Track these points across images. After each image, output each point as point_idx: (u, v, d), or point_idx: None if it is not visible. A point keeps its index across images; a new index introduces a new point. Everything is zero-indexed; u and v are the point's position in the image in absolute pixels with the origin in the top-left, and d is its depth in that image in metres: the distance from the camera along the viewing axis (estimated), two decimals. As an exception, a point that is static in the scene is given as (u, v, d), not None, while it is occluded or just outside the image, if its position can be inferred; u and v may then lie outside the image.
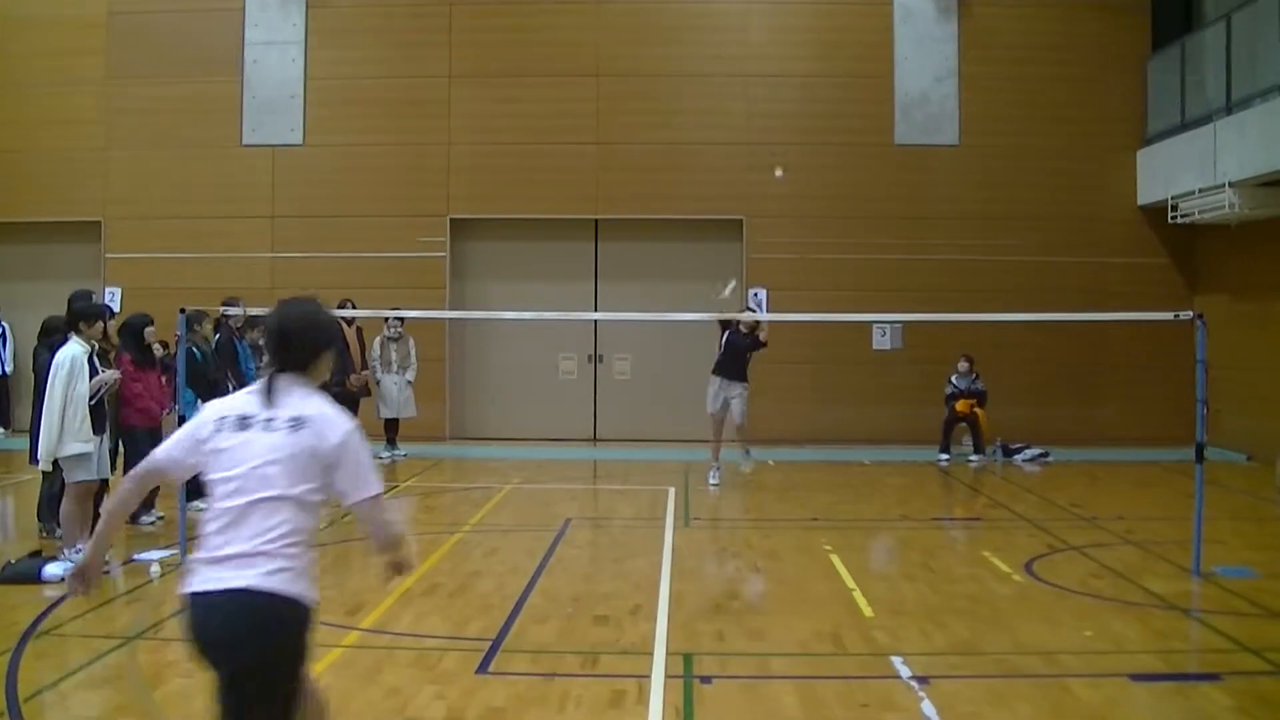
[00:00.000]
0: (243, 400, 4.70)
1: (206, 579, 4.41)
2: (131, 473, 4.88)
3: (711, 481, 15.99)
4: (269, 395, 4.63)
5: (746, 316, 15.97)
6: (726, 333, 15.89)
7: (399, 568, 4.92)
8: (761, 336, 15.88)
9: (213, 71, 21.62)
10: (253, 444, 4.53)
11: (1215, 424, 16.28)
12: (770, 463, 18.83)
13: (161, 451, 4.78)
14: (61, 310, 11.59)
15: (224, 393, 13.82)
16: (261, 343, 15.46)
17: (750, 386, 16.16)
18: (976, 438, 18.92)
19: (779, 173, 20.28)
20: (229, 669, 4.40)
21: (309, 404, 4.65)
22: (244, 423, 4.59)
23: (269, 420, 4.57)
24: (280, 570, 4.41)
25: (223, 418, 4.64)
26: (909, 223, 21.10)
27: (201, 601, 4.41)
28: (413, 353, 19.08)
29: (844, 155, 21.21)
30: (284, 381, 4.67)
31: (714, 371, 16.00)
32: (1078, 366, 20.86)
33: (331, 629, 8.63)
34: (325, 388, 4.84)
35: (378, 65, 21.61)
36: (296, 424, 4.57)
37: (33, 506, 12.39)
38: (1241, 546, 11.94)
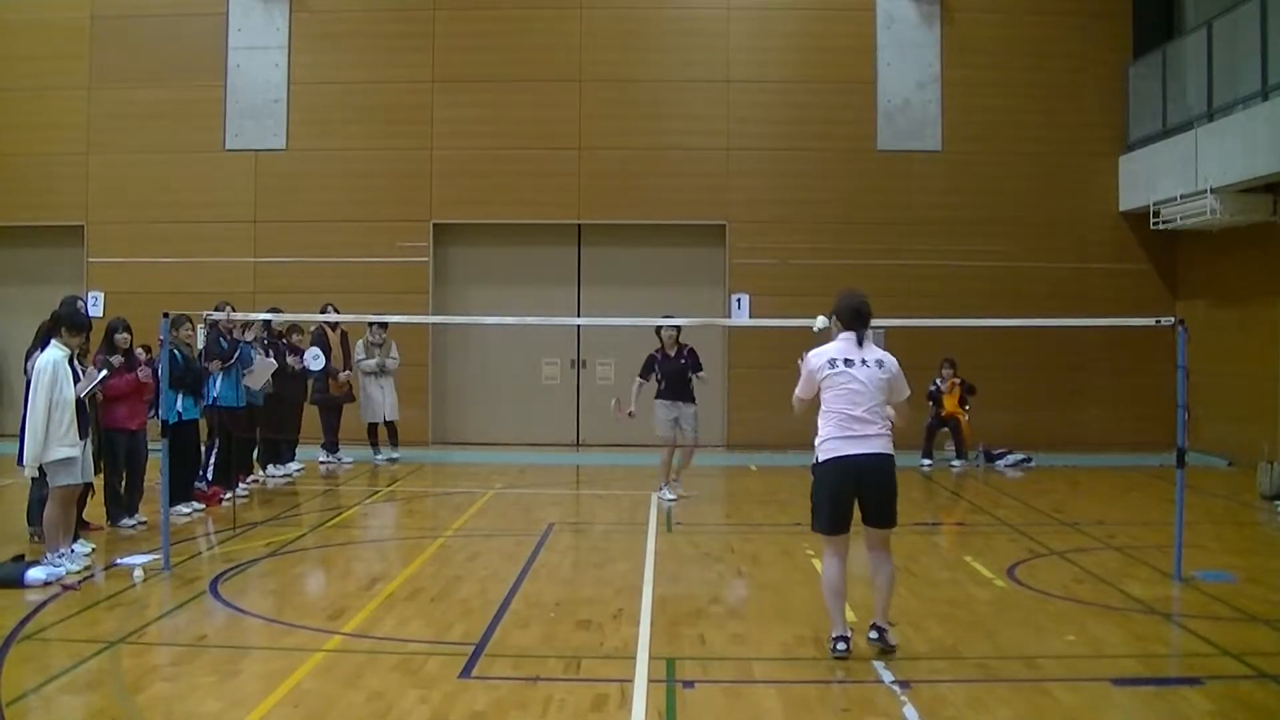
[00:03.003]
0: (843, 348, 8.15)
1: (858, 448, 7.96)
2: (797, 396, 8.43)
3: (668, 496, 15.30)
4: (860, 345, 8.16)
5: (666, 324, 15.07)
6: (655, 361, 15.28)
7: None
8: (702, 373, 15.42)
9: (195, 76, 21.60)
10: (858, 374, 8.05)
11: (1195, 429, 16.34)
12: (753, 468, 18.93)
13: (799, 390, 8.37)
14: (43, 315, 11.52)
15: (204, 395, 13.90)
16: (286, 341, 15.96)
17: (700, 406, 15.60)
18: (959, 443, 18.96)
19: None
20: (881, 491, 8.05)
21: (878, 352, 8.22)
22: (849, 363, 8.09)
23: (864, 361, 8.10)
24: (889, 440, 8.09)
25: (833, 360, 8.11)
26: (891, 228, 21.16)
27: (859, 460, 7.95)
28: (393, 350, 18.99)
29: (826, 161, 21.27)
30: (864, 339, 8.18)
31: (659, 396, 15.29)
32: (1059, 372, 20.94)
33: (313, 633, 8.64)
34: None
35: (361, 70, 21.61)
36: (880, 364, 8.15)
37: (18, 510, 12.36)
38: (1222, 551, 12.01)
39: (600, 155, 21.38)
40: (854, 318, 8.24)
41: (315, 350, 17.31)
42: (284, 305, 17.66)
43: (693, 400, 15.32)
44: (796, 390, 8.39)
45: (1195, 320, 13.57)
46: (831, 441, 8.05)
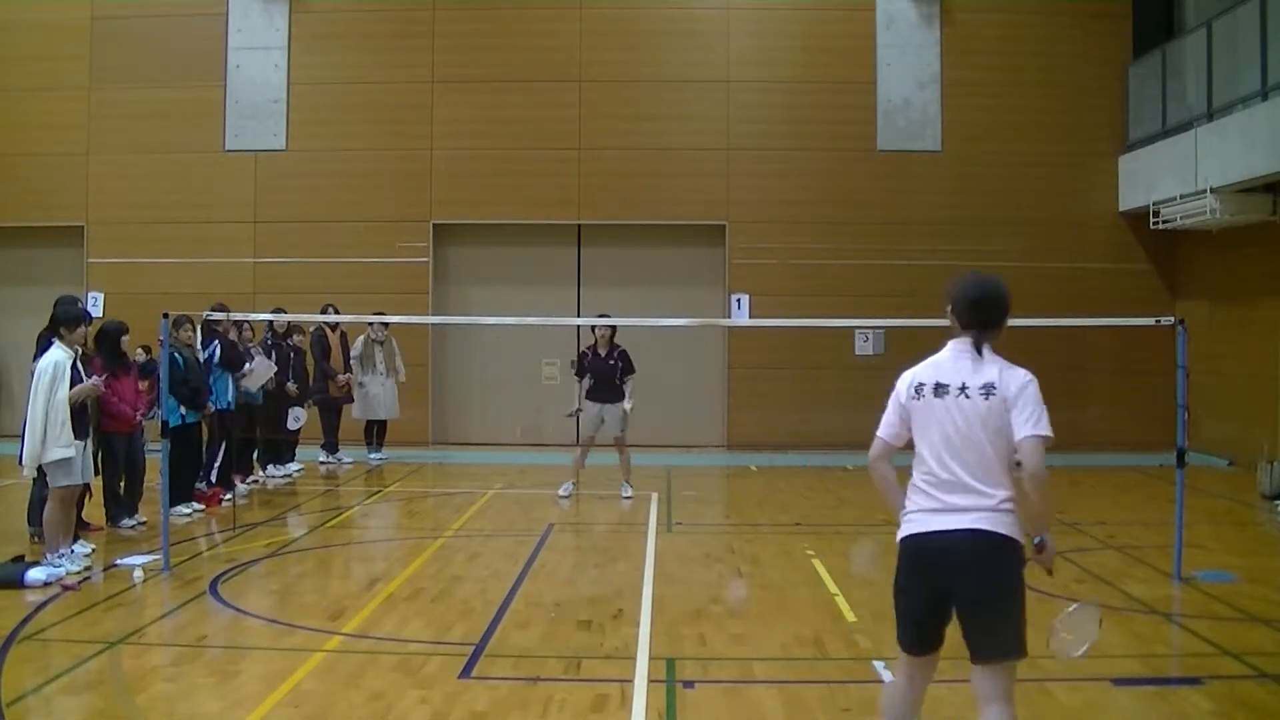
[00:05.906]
0: (943, 364, 5.57)
1: (941, 522, 5.27)
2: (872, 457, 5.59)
3: (562, 494, 15.50)
4: (978, 356, 5.52)
5: (601, 323, 15.17)
6: (586, 359, 15.45)
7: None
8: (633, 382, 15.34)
9: (195, 76, 21.60)
10: (953, 408, 5.42)
11: (1195, 429, 16.34)
12: (753, 468, 18.91)
13: (883, 429, 5.57)
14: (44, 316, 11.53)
15: (204, 400, 13.86)
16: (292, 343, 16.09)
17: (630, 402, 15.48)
18: (959, 443, 18.90)
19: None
20: (976, 593, 5.31)
21: (995, 366, 5.59)
22: (941, 390, 5.47)
23: (964, 388, 5.46)
24: (1000, 516, 5.41)
25: (920, 384, 5.56)
26: (891, 228, 21.15)
27: (941, 540, 5.25)
28: (398, 354, 18.99)
29: (826, 161, 21.26)
30: (986, 346, 5.57)
31: (588, 396, 15.41)
32: (1059, 372, 20.75)
33: (314, 633, 8.63)
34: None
35: (360, 70, 21.61)
36: (987, 391, 5.49)
37: (18, 510, 12.35)
38: (1222, 551, 12.00)
39: (600, 155, 21.38)
40: (970, 310, 5.64)
41: (298, 412, 16.71)
42: (284, 305, 17.67)
43: (620, 399, 15.35)
44: (879, 430, 5.62)
45: (1195, 320, 13.57)
46: (912, 515, 5.38)
